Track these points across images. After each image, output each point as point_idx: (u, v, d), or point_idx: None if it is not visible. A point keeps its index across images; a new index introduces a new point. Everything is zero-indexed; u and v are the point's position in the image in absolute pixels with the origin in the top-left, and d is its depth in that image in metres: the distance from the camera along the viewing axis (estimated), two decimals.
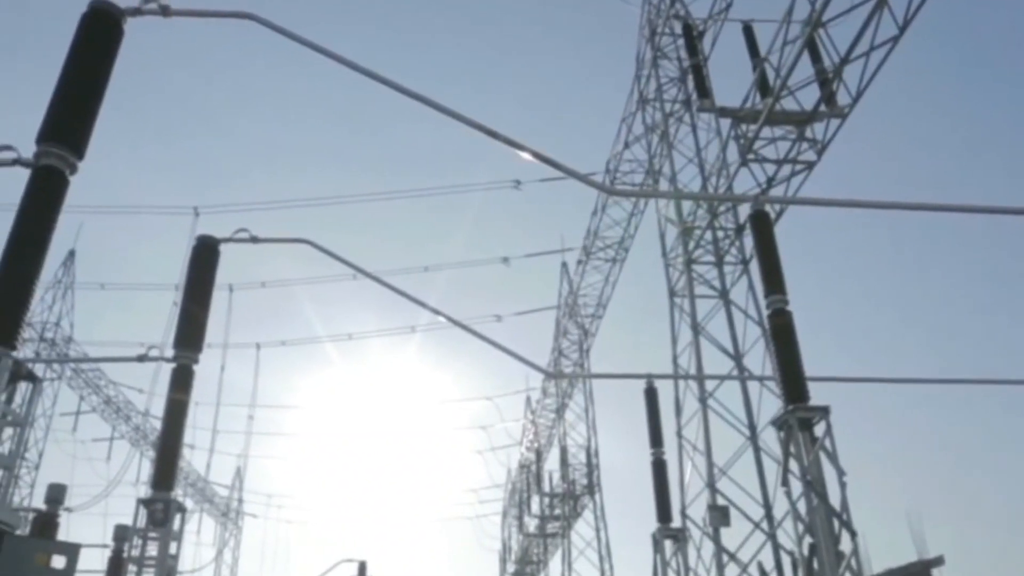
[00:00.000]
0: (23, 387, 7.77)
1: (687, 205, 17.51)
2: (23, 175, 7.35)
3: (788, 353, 10.21)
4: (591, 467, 30.24)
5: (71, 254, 34.12)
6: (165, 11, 8.54)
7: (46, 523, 22.09)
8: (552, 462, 34.13)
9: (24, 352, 25.40)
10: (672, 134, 18.36)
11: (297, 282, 29.07)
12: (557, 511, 31.83)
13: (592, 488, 30.00)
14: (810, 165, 14.38)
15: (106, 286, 32.44)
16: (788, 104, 13.83)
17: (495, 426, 37.23)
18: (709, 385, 15.50)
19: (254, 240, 11.75)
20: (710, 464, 14.76)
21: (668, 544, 16.60)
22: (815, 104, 13.61)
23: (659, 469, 17.48)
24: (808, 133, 14.19)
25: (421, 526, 71.13)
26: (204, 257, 12.29)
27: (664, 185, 18.72)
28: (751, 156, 14.76)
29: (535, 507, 33.41)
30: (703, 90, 15.94)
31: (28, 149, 7.51)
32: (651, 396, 18.17)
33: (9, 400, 7.39)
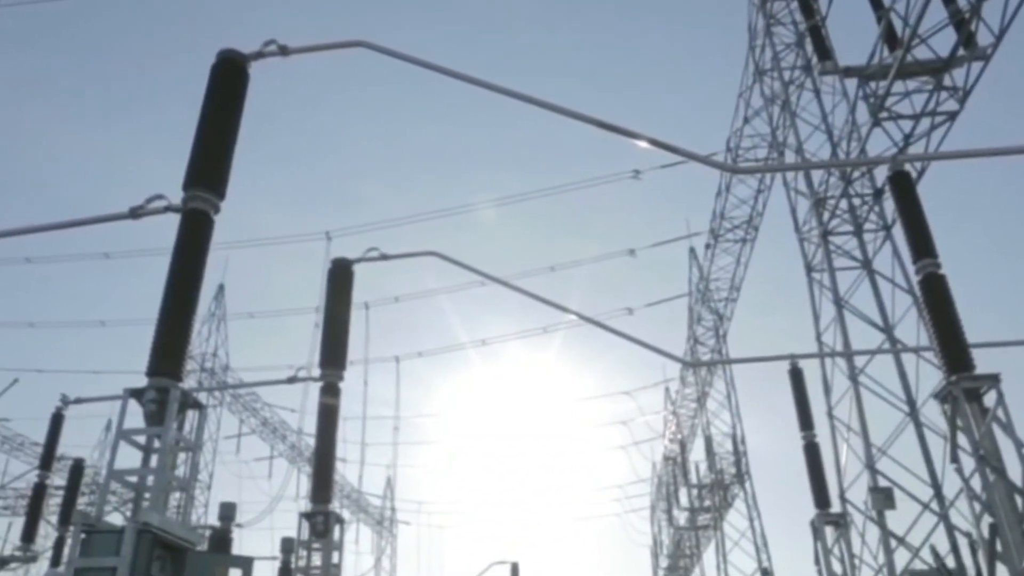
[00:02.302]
0: (191, 415, 8.33)
1: (817, 175, 16.73)
2: (174, 219, 7.95)
3: (945, 320, 9.50)
4: (738, 455, 29.36)
5: (221, 288, 36.51)
6: (284, 51, 9.00)
7: (221, 539, 23.70)
8: (697, 452, 33.40)
9: (189, 382, 27.45)
10: (794, 103, 17.58)
11: (429, 294, 29.87)
12: (707, 502, 31.09)
13: (741, 476, 29.11)
14: (952, 115, 13.34)
15: (254, 315, 34.57)
16: (921, 53, 12.88)
17: (635, 420, 36.80)
18: (859, 361, 14.72)
19: (384, 257, 12.18)
20: (867, 444, 14.02)
21: (829, 531, 15.89)
22: (952, 48, 12.61)
23: (812, 452, 16.76)
24: (947, 81, 13.16)
25: (568, 525, 71.33)
26: (340, 279, 12.85)
27: (790, 157, 17.95)
28: (884, 114, 13.86)
29: (683, 499, 32.78)
30: (824, 52, 15.07)
31: (170, 193, 8.13)
32: (796, 377, 17.45)
33: (180, 427, 7.95)
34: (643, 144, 9.77)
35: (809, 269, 16.82)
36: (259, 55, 8.86)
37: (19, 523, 22.74)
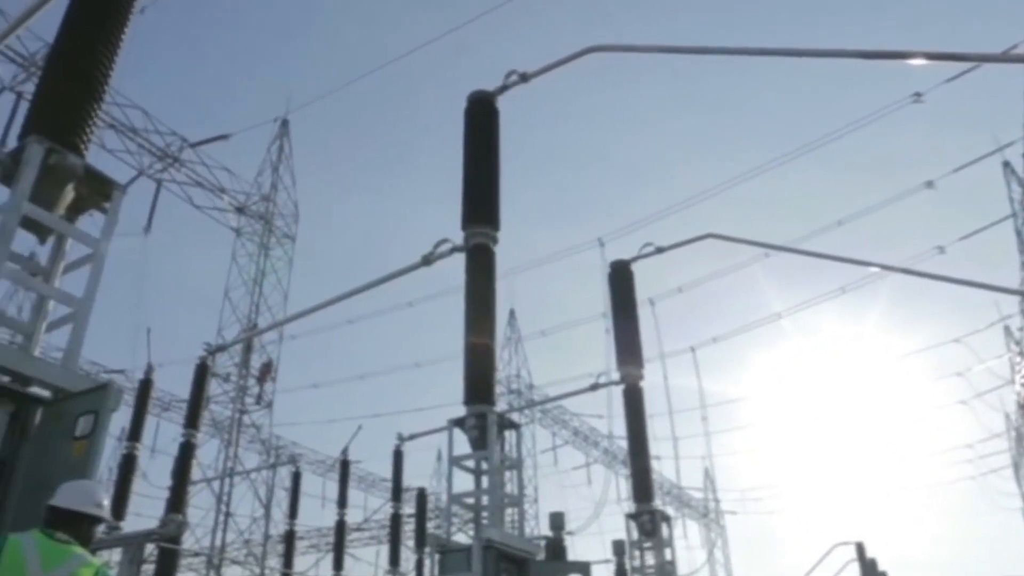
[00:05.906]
0: (508, 435, 8.79)
1: None
2: (460, 258, 8.52)
3: None
4: None
5: (512, 312, 38.52)
6: (524, 78, 9.29)
7: (556, 547, 24.82)
8: None
9: (500, 405, 29.22)
10: None
11: (712, 277, 28.86)
12: None
13: None
14: None
15: (545, 332, 35.98)
16: None
17: (973, 369, 32.36)
18: None
19: (659, 251, 11.98)
20: None
21: None
22: None
23: None
24: None
25: (912, 495, 64.51)
26: (620, 281, 12.91)
27: None
28: None
29: None
30: None
31: (451, 235, 8.70)
32: None
33: (501, 448, 8.39)
34: (918, 62, 8.63)
35: None
36: (503, 88, 9.24)
37: (384, 550, 25.77)
